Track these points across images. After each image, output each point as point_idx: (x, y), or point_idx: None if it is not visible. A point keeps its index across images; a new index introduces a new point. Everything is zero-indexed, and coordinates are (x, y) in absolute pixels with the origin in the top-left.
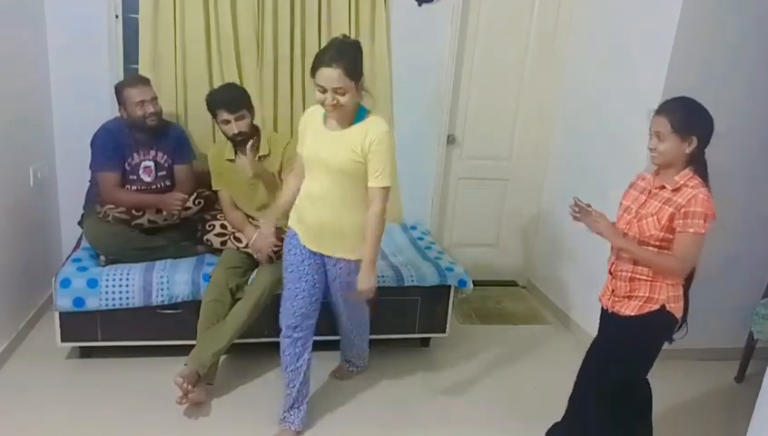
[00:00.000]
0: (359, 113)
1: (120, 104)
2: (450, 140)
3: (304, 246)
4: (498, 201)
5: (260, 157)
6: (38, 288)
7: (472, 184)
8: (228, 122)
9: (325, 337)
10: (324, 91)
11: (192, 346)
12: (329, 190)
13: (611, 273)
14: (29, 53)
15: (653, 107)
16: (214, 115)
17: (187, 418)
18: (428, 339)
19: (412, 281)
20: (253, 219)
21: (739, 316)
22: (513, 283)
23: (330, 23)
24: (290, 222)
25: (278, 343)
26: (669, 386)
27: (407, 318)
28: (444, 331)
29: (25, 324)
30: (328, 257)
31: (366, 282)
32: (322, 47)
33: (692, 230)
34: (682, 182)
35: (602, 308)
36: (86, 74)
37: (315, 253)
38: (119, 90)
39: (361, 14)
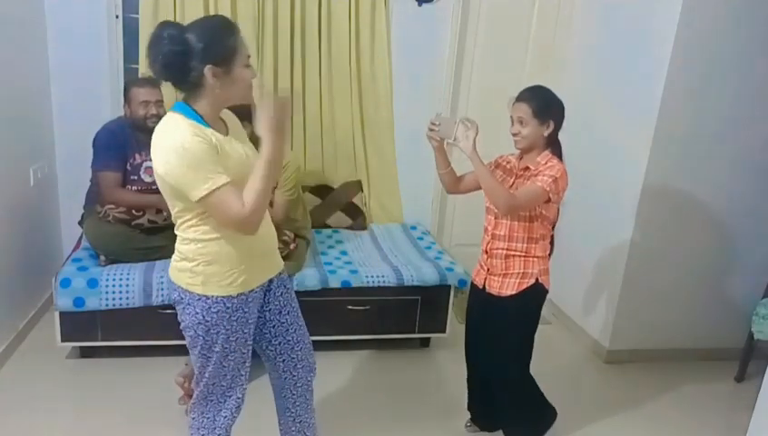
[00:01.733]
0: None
1: (125, 101)
2: None
3: (256, 293)
4: None
5: None
6: (38, 288)
7: None
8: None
9: (325, 337)
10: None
11: None
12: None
13: (486, 252)
14: (29, 53)
15: (513, 95)
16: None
17: (189, 418)
18: (428, 339)
19: (412, 281)
20: None
21: (739, 316)
22: None
23: (330, 23)
24: (235, 287)
25: None
26: (669, 386)
27: (407, 318)
28: (444, 332)
29: (25, 324)
30: (275, 278)
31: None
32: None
33: (539, 183)
34: (544, 162)
35: (473, 288)
36: (86, 74)
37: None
38: (127, 87)
39: (361, 14)
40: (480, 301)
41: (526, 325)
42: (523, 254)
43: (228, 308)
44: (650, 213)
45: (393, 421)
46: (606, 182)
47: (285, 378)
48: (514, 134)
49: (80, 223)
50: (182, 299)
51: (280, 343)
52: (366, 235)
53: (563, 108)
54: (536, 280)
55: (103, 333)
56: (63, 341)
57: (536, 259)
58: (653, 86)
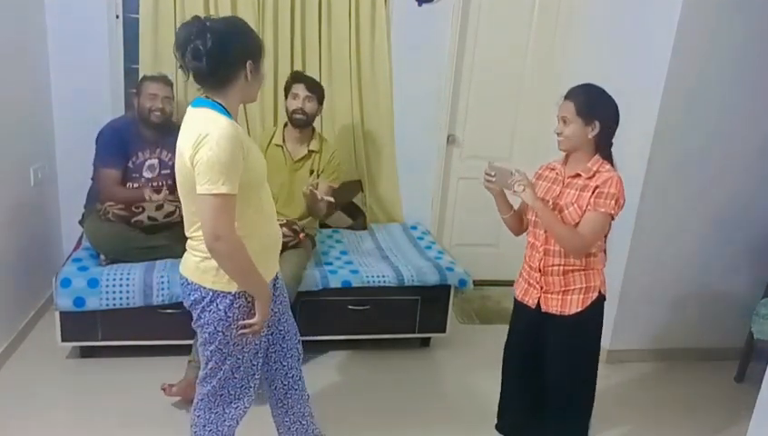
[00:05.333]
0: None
1: (137, 94)
2: (450, 140)
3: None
4: None
5: (309, 151)
6: (38, 288)
7: (472, 184)
8: (297, 96)
9: (325, 337)
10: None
11: (192, 346)
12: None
13: (540, 270)
14: (29, 53)
15: (562, 93)
16: (288, 89)
17: (189, 417)
18: (428, 339)
19: (413, 281)
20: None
21: (739, 316)
22: (513, 283)
23: (330, 23)
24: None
25: None
26: (669, 386)
27: (407, 318)
28: (444, 331)
29: (26, 324)
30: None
31: None
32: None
33: (602, 209)
34: (595, 168)
35: (522, 309)
36: (86, 74)
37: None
38: (141, 81)
39: (361, 14)
40: (533, 321)
41: (595, 340)
42: (583, 268)
43: (249, 302)
44: (649, 212)
45: (393, 420)
46: None
47: (276, 369)
48: (557, 135)
49: (80, 223)
50: (203, 298)
51: (272, 334)
52: (366, 235)
53: (613, 109)
54: (599, 292)
55: (103, 333)
56: (63, 340)
57: (596, 271)
58: (653, 85)
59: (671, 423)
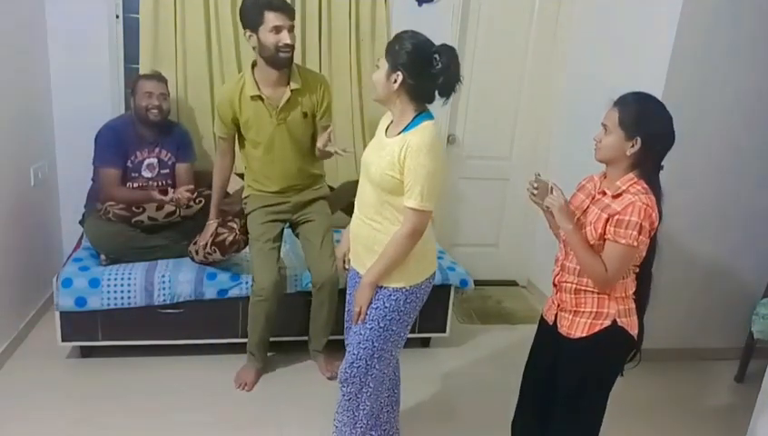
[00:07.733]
0: (415, 120)
1: (132, 93)
2: (450, 140)
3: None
4: (498, 201)
5: (292, 92)
6: (38, 288)
7: (472, 184)
8: (280, 30)
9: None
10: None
11: (192, 346)
12: (371, 201)
13: (555, 285)
14: (29, 53)
15: (613, 97)
16: (259, 23)
17: (189, 418)
18: (428, 339)
19: None
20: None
21: (739, 316)
22: (513, 283)
23: (331, 23)
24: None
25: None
26: (669, 386)
27: None
28: (444, 331)
29: (26, 324)
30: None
31: (360, 299)
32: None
33: (623, 241)
34: (623, 187)
35: (542, 325)
36: (87, 74)
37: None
38: (135, 80)
39: (361, 14)
40: (548, 340)
41: (595, 378)
42: (596, 291)
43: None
44: None
45: None
46: None
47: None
48: (595, 142)
49: (81, 223)
50: None
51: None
52: None
53: (663, 128)
54: (614, 322)
55: (103, 333)
56: (63, 340)
57: (612, 298)
58: (653, 86)
59: (671, 423)
